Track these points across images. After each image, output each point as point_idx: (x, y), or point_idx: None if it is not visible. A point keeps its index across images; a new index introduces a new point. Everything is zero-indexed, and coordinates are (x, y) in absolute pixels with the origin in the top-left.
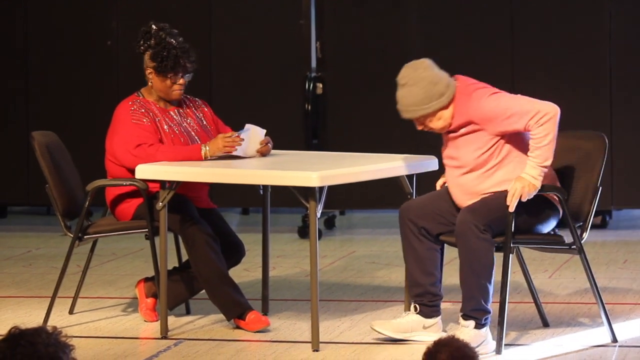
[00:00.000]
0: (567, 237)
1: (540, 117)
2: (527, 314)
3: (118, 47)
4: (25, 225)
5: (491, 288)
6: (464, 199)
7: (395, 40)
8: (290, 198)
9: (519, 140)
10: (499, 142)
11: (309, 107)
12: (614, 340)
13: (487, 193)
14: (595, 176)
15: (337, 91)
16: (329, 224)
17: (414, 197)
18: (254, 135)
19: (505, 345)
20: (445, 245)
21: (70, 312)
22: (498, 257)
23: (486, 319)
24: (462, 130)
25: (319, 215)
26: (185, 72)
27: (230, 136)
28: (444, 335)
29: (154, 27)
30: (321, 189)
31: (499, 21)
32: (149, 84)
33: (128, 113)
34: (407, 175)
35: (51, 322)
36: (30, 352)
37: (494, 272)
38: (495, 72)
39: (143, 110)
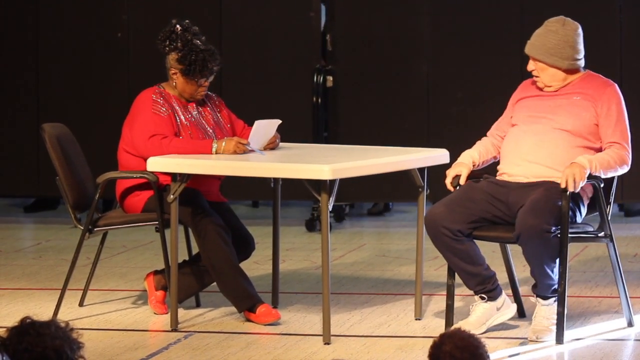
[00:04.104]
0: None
1: (623, 152)
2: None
3: (128, 39)
4: (35, 217)
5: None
6: (535, 156)
7: (405, 32)
8: (299, 191)
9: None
10: (594, 128)
11: (319, 100)
12: (630, 324)
13: (559, 166)
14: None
15: (347, 84)
16: (339, 216)
17: (425, 190)
18: (266, 129)
19: (521, 339)
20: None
21: (80, 304)
22: None
23: (556, 289)
24: (576, 98)
25: (330, 208)
26: (211, 74)
27: (244, 144)
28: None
29: (178, 27)
30: (333, 181)
31: (509, 14)
32: (173, 83)
33: (150, 102)
34: (418, 169)
35: (61, 315)
36: (36, 342)
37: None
38: (504, 65)
39: (163, 102)
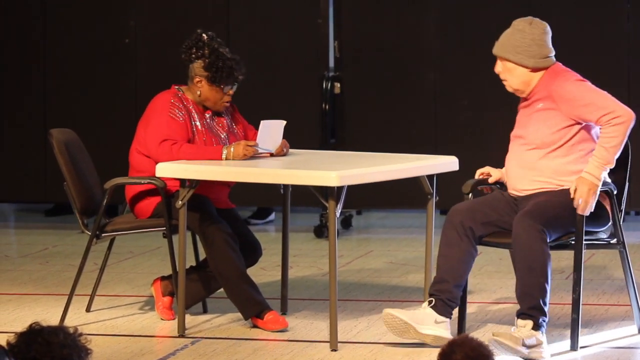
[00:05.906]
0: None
1: (614, 116)
2: None
3: (136, 45)
4: (43, 223)
5: (549, 289)
6: (519, 175)
7: (413, 39)
8: (307, 197)
9: (589, 137)
10: (570, 127)
11: (327, 107)
12: None
13: (544, 176)
14: (622, 176)
15: (355, 90)
16: (346, 223)
17: (434, 197)
18: (273, 129)
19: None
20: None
21: (88, 309)
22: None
23: (543, 320)
24: (539, 106)
25: (338, 214)
26: (235, 83)
27: (252, 145)
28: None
29: (204, 36)
30: (340, 188)
31: None
32: (197, 92)
33: (168, 105)
34: (427, 176)
35: (68, 320)
36: (44, 350)
37: (550, 273)
38: None
39: (181, 106)
